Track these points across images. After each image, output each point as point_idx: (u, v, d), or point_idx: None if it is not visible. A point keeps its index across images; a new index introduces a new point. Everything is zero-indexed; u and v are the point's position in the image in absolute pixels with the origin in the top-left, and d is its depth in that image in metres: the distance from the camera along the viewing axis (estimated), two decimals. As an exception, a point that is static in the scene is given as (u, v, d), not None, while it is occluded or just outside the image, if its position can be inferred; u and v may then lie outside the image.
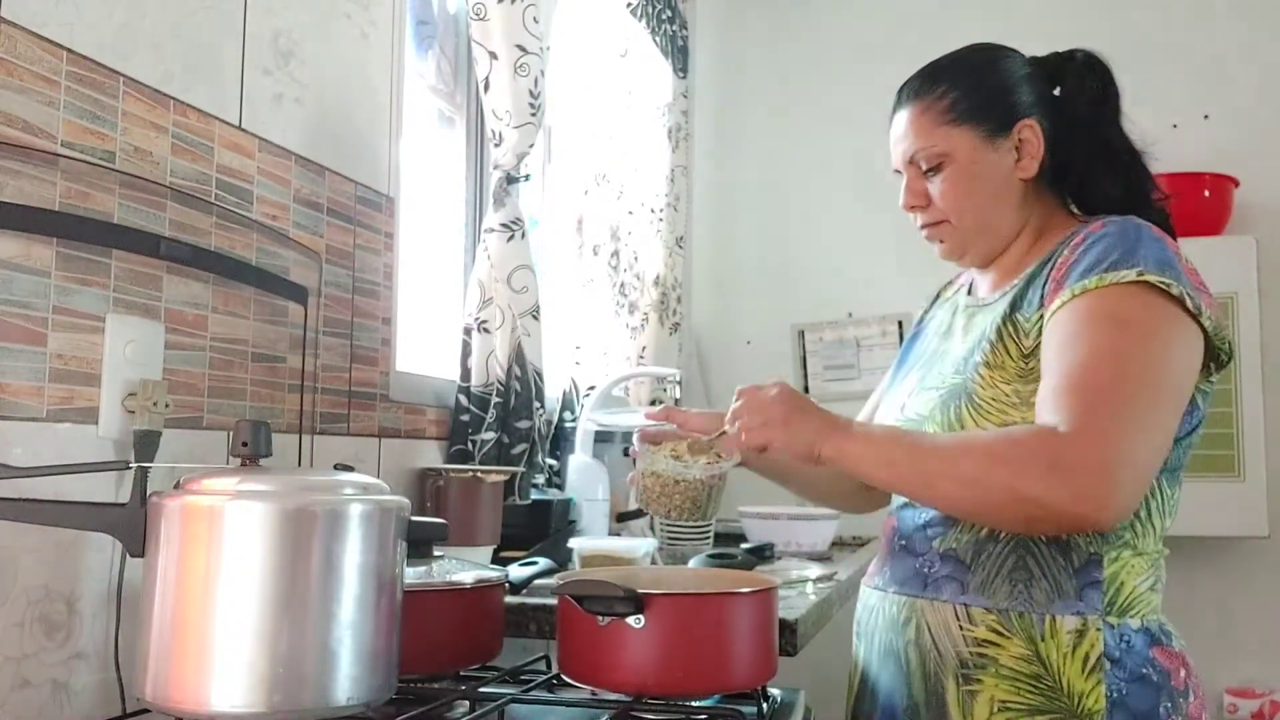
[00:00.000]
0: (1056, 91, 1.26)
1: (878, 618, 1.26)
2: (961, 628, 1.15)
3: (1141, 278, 1.06)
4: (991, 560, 1.14)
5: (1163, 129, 3.00)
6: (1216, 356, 1.12)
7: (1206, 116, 3.00)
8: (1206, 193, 2.86)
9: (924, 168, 1.24)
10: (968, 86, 1.23)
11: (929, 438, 1.13)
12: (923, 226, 1.27)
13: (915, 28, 3.16)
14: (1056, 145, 1.23)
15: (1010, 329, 1.18)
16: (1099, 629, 1.10)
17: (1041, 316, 1.14)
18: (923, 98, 1.24)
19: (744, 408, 1.19)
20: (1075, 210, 1.28)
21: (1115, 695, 1.08)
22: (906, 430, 1.20)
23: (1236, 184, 2.89)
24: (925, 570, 1.20)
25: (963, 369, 1.20)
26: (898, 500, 1.28)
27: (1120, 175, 1.23)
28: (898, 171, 1.28)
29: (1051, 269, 1.16)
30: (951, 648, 1.15)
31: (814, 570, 1.72)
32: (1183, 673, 1.12)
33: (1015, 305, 1.19)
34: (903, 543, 1.24)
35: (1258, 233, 2.84)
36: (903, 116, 1.26)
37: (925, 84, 1.25)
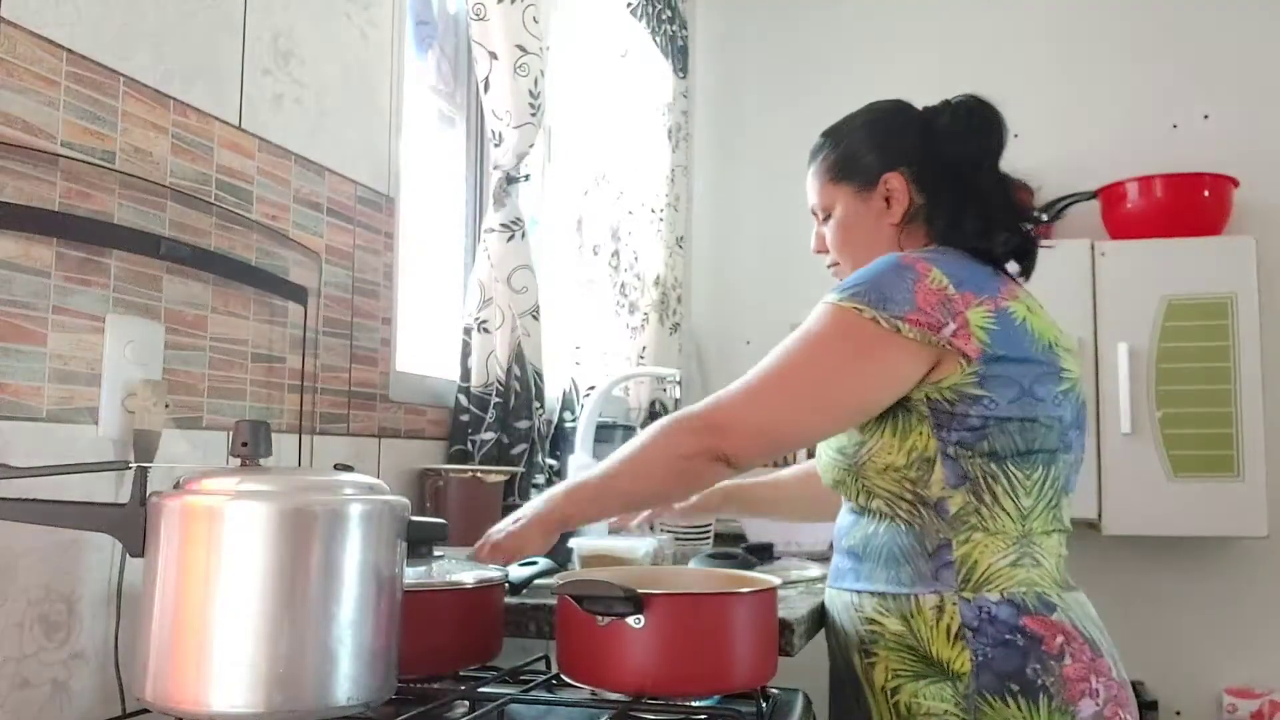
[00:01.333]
0: (932, 139, 1.39)
1: (830, 612, 1.43)
2: (857, 611, 1.31)
3: (837, 303, 1.24)
4: (874, 552, 1.30)
5: (1163, 129, 3.03)
6: (966, 355, 1.22)
7: (1206, 116, 3.00)
8: (1206, 193, 2.86)
9: (821, 217, 1.47)
10: (844, 147, 1.44)
11: (604, 466, 1.34)
12: (828, 266, 1.47)
13: (915, 27, 3.16)
14: (931, 188, 1.38)
15: None
16: (954, 604, 1.23)
17: None
18: (815, 158, 1.49)
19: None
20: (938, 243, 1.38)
21: (980, 659, 1.21)
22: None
23: (1236, 184, 2.89)
24: (839, 566, 1.38)
25: None
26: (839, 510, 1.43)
27: (979, 211, 1.33)
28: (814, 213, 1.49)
29: None
30: (853, 628, 1.32)
31: (814, 570, 1.72)
32: (1059, 639, 1.21)
33: None
34: (836, 544, 1.41)
35: (1257, 233, 2.84)
36: (808, 173, 1.50)
37: (818, 145, 1.49)
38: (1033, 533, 1.26)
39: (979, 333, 1.22)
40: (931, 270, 1.25)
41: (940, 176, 1.37)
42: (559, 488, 1.35)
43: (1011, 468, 1.25)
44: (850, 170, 1.43)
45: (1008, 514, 1.25)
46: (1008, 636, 1.21)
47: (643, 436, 1.30)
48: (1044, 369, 1.26)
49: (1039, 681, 1.19)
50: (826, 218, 1.46)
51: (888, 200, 1.39)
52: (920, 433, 1.25)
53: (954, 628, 1.23)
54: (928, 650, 1.24)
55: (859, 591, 1.32)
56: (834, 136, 1.47)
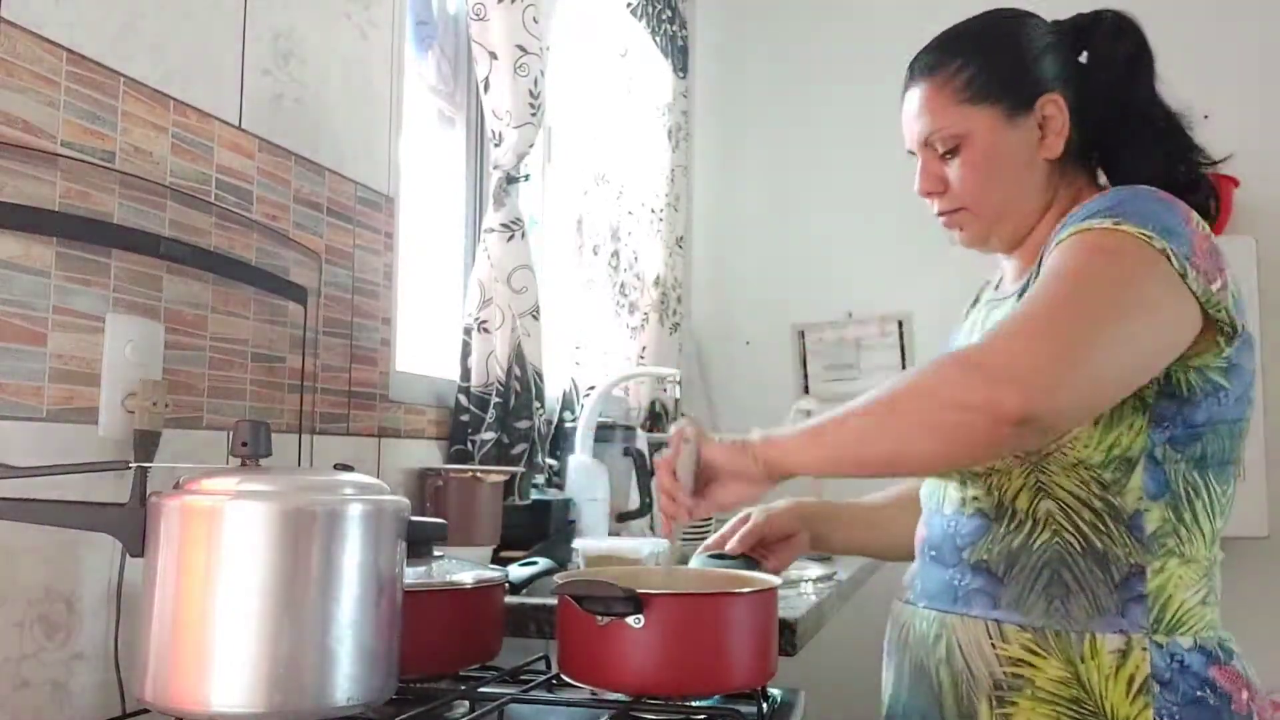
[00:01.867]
0: (1083, 58, 1.18)
1: (908, 634, 1.18)
2: (994, 646, 1.07)
3: (1118, 227, 0.99)
4: (1025, 573, 1.07)
5: (1163, 129, 3.03)
6: (1220, 329, 1.02)
7: (1206, 116, 2.98)
8: (1206, 193, 2.86)
9: (940, 150, 1.15)
10: (985, 60, 1.14)
11: (852, 403, 1.06)
12: (939, 214, 1.18)
13: (915, 26, 3.15)
14: (1084, 118, 1.15)
15: None
16: (1145, 648, 1.01)
17: None
18: (936, 74, 1.15)
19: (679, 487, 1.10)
20: (1105, 184, 1.19)
21: None
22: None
23: (1236, 184, 2.88)
24: (955, 583, 1.12)
25: None
26: (927, 507, 1.21)
27: (1157, 144, 1.14)
28: (911, 153, 1.19)
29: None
30: (984, 668, 1.07)
31: (814, 570, 1.72)
32: (1245, 695, 1.03)
33: (1024, 291, 1.13)
34: (933, 553, 1.17)
35: (1258, 233, 2.84)
36: (915, 94, 1.17)
37: (939, 58, 1.16)
38: (1215, 561, 1.08)
39: (1234, 304, 1.02)
40: (1192, 212, 1.03)
41: (1101, 103, 1.15)
42: (766, 433, 1.09)
43: (1213, 479, 1.06)
44: (997, 88, 1.13)
45: (1203, 537, 1.05)
46: (1199, 693, 1.01)
47: (907, 378, 1.01)
48: (1254, 358, 1.07)
49: None
50: (949, 152, 1.15)
51: (1041, 128, 1.14)
52: (1131, 425, 1.03)
53: (1139, 678, 1.00)
54: (1099, 705, 1.01)
55: (999, 622, 1.07)
56: (965, 46, 1.16)
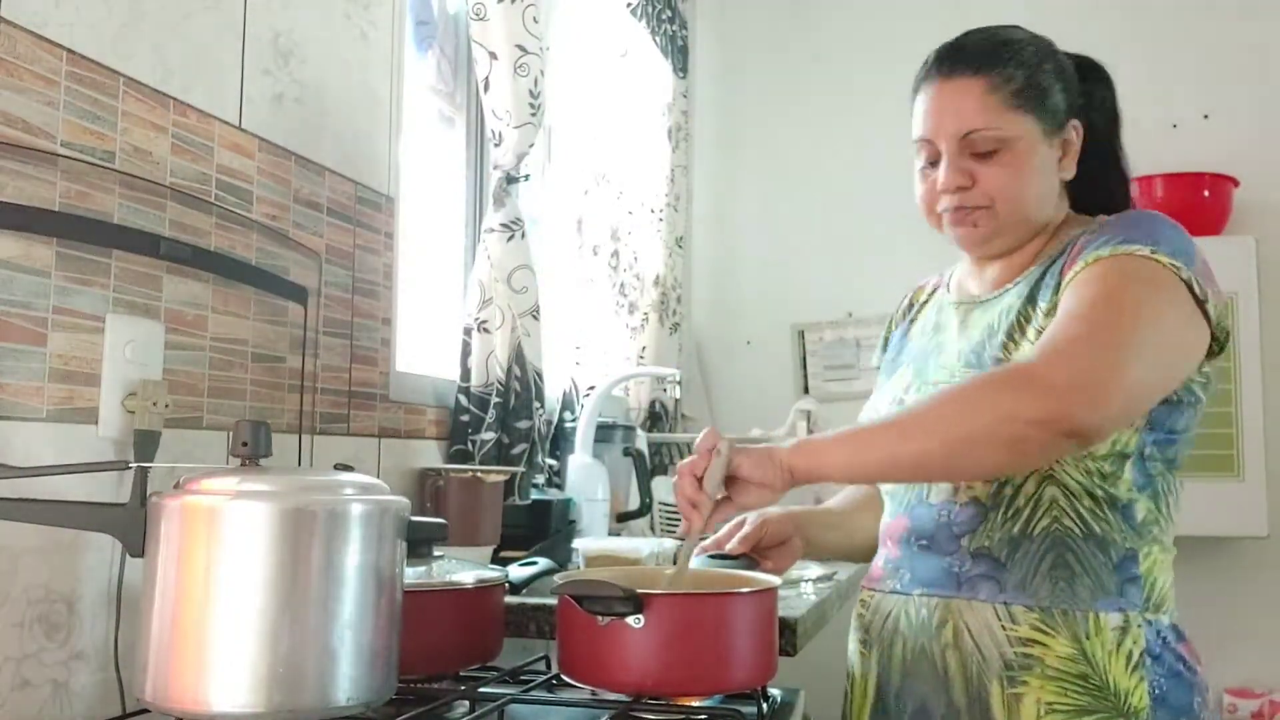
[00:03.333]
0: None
1: (897, 622, 1.21)
2: (1004, 628, 1.12)
3: (1154, 255, 1.07)
4: (1028, 558, 1.12)
5: (1163, 129, 3.03)
6: (1210, 349, 1.13)
7: (1206, 116, 3.00)
8: (1206, 193, 2.86)
9: (981, 149, 1.16)
10: (1037, 73, 1.17)
11: (889, 413, 1.15)
12: (957, 208, 1.19)
13: (915, 27, 3.15)
14: (1087, 147, 1.23)
15: (1026, 316, 1.17)
16: (1140, 625, 1.10)
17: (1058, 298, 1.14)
18: (991, 74, 1.16)
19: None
20: (1081, 215, 1.27)
21: (1157, 692, 1.08)
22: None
23: (1236, 184, 2.89)
24: (957, 569, 1.16)
25: (975, 361, 1.19)
26: (905, 500, 1.24)
27: (1118, 189, 1.26)
28: (927, 141, 1.20)
29: (1068, 255, 1.16)
30: (995, 649, 1.12)
31: (814, 570, 1.72)
32: (1200, 668, 1.14)
33: (1033, 293, 1.19)
34: (923, 542, 1.20)
35: (1258, 233, 2.84)
36: (960, 87, 1.17)
37: (993, 58, 1.17)
38: (1174, 551, 1.18)
39: (1225, 326, 1.13)
40: (1194, 242, 1.12)
41: (1093, 140, 1.23)
42: (800, 440, 1.12)
43: (1174, 480, 1.16)
44: (1041, 103, 1.17)
45: (1172, 528, 1.17)
46: (1177, 666, 1.11)
47: (956, 390, 1.07)
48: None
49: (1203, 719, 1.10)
50: (989, 152, 1.16)
51: (1064, 150, 1.20)
52: (1133, 424, 1.11)
53: (1136, 653, 1.09)
54: (1103, 679, 1.08)
55: (1007, 604, 1.13)
56: (1018, 54, 1.18)
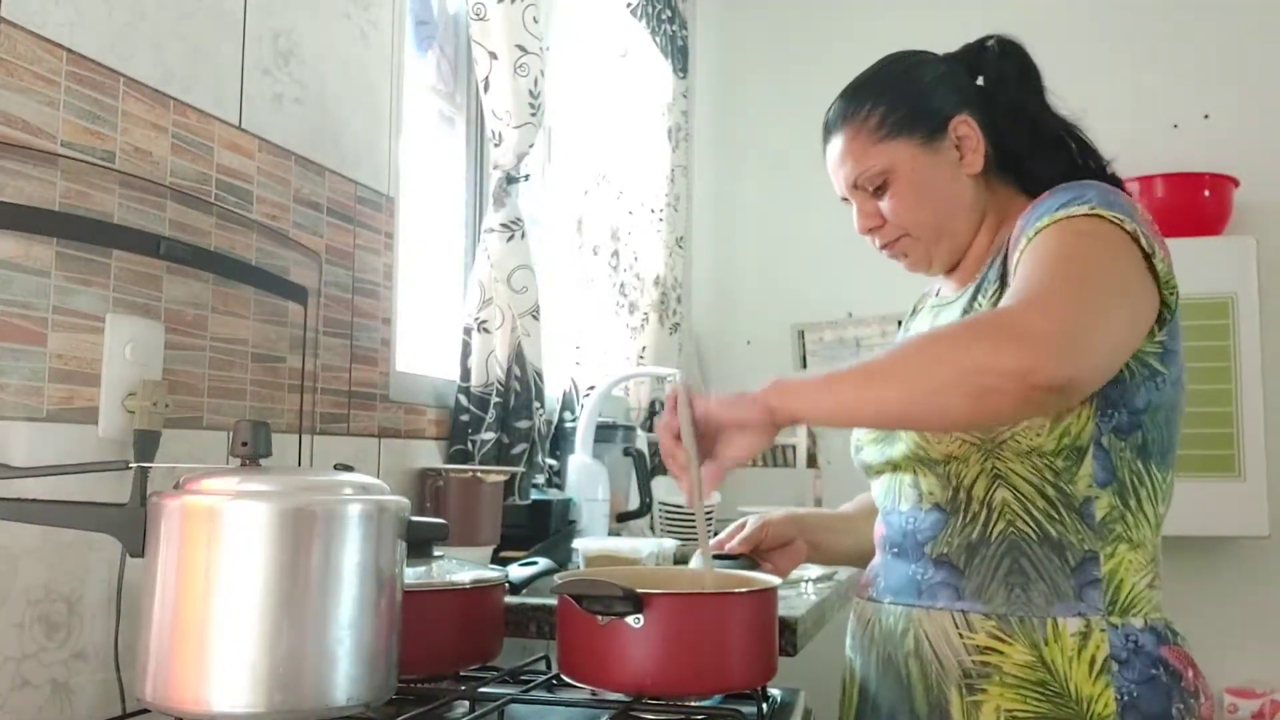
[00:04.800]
0: (980, 82, 1.26)
1: (874, 630, 1.22)
2: (961, 636, 1.11)
3: (1094, 211, 1.04)
4: (985, 564, 1.11)
5: (1163, 129, 3.03)
6: (1160, 315, 1.08)
7: (1206, 116, 3.00)
8: (1206, 193, 2.86)
9: (870, 189, 1.22)
10: (890, 98, 1.21)
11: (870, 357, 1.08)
12: (883, 247, 1.24)
13: (915, 28, 3.16)
14: (996, 133, 1.22)
15: (971, 311, 1.17)
16: (1103, 629, 1.06)
17: (1002, 289, 1.13)
18: (850, 121, 1.23)
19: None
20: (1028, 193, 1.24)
21: (1125, 698, 1.05)
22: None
23: (1236, 184, 2.89)
24: (919, 578, 1.16)
25: None
26: (883, 506, 1.24)
27: (1061, 148, 1.21)
28: (845, 200, 1.26)
29: (1013, 240, 1.14)
30: (953, 657, 1.11)
31: (814, 570, 1.72)
32: (1190, 673, 1.09)
33: (978, 290, 1.19)
34: (894, 550, 1.20)
35: (1258, 233, 2.84)
36: (836, 144, 1.24)
37: (847, 107, 1.23)
38: (1159, 547, 1.12)
39: (1173, 284, 1.07)
40: (1134, 199, 1.09)
41: (1005, 119, 1.22)
42: (800, 378, 1.09)
43: (1155, 468, 1.11)
44: (909, 120, 1.20)
45: (1149, 523, 1.11)
46: (1152, 671, 1.06)
47: (929, 335, 1.05)
48: (1180, 342, 1.12)
49: None
50: (878, 189, 1.21)
51: (959, 149, 1.21)
52: (1080, 413, 1.07)
53: (1099, 659, 1.06)
54: (1063, 686, 1.06)
55: (964, 612, 1.11)
56: (870, 91, 1.23)
